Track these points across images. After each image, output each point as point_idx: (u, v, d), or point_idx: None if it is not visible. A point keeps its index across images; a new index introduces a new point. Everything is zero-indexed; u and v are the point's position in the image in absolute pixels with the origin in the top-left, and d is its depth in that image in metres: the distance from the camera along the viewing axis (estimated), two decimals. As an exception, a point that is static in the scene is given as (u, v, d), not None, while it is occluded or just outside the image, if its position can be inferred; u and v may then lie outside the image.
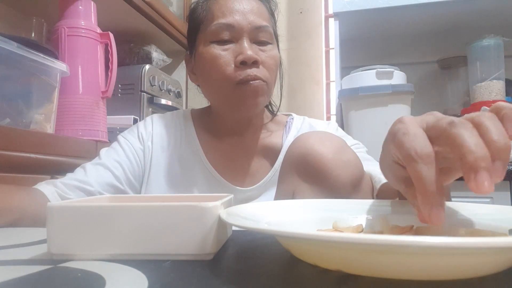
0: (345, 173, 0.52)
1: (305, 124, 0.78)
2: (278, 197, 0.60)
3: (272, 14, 0.73)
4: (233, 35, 0.66)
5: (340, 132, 0.76)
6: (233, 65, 0.65)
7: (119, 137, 0.74)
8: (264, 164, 0.73)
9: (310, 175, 0.52)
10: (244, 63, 0.64)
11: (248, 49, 0.64)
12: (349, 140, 0.71)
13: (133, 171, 0.71)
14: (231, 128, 0.74)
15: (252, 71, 0.64)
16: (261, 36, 0.67)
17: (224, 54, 0.65)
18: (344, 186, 0.51)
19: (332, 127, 0.77)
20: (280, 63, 0.75)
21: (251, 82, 0.64)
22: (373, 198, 0.57)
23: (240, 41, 0.66)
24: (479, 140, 0.27)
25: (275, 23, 0.74)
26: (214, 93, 0.70)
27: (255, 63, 0.64)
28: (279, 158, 0.72)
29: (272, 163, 0.72)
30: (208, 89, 0.71)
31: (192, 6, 0.74)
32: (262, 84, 0.65)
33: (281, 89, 0.80)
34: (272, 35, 0.69)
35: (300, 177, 0.54)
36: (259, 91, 0.65)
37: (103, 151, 0.71)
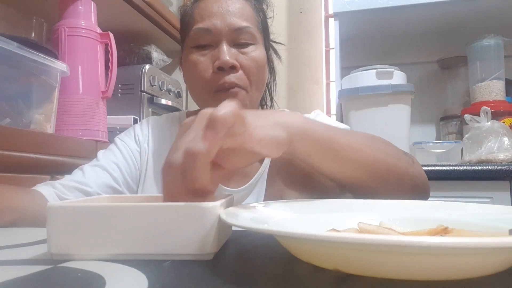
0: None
1: None
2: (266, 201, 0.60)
3: (258, 10, 0.71)
4: (211, 39, 0.65)
5: (322, 117, 0.74)
6: (211, 71, 0.64)
7: (116, 139, 0.75)
8: (255, 163, 0.73)
9: (295, 181, 0.52)
10: (222, 69, 0.63)
11: (225, 54, 0.63)
12: (341, 126, 0.69)
13: (130, 172, 0.71)
14: None
15: (230, 78, 0.63)
16: (241, 38, 0.65)
17: (202, 60, 0.65)
18: (332, 189, 0.51)
19: (313, 114, 0.75)
20: (270, 62, 0.74)
21: (230, 90, 0.63)
22: None
23: (218, 46, 0.64)
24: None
25: (263, 19, 0.72)
26: (196, 98, 0.70)
27: (232, 68, 0.63)
28: None
29: (262, 160, 0.72)
30: (191, 94, 0.71)
31: (181, 10, 0.74)
32: (240, 90, 0.64)
33: (270, 89, 0.79)
34: (255, 35, 0.67)
35: (285, 184, 0.54)
36: (237, 97, 0.64)
37: (101, 153, 0.71)
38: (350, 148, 0.46)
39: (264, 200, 0.61)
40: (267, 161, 0.71)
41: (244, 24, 0.66)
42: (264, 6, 0.74)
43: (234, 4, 0.66)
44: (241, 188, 0.70)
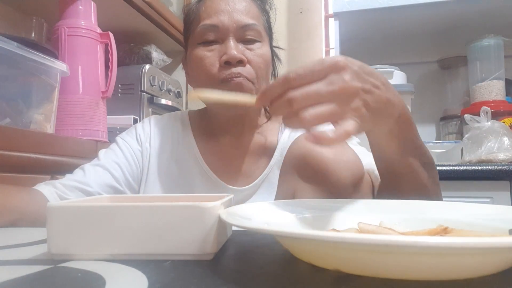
0: (346, 173, 0.52)
1: None
2: (278, 197, 0.60)
3: (263, 10, 0.72)
4: (218, 35, 0.65)
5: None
6: (218, 65, 0.64)
7: (117, 138, 0.75)
8: (260, 163, 0.73)
9: (310, 175, 0.53)
10: (229, 63, 0.63)
11: (233, 49, 0.63)
12: None
13: (131, 172, 0.71)
14: (226, 128, 0.74)
15: (237, 69, 0.63)
16: (248, 35, 0.66)
17: (209, 55, 0.65)
18: (345, 187, 0.52)
19: None
20: (273, 61, 0.74)
21: (234, 79, 0.63)
22: (372, 195, 0.57)
23: (225, 41, 0.65)
24: None
25: (267, 19, 0.73)
26: None
27: (240, 63, 0.63)
28: (274, 155, 0.72)
29: (268, 161, 0.72)
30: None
31: (186, 9, 0.74)
32: (247, 81, 0.64)
33: None
34: (261, 32, 0.68)
35: (300, 178, 0.54)
36: (242, 88, 0.64)
37: (102, 153, 0.71)
38: (421, 162, 0.50)
39: (276, 196, 0.61)
40: (272, 162, 0.71)
41: (251, 21, 0.66)
42: (267, 7, 0.74)
43: (241, 2, 0.67)
44: (245, 187, 0.70)
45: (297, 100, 0.36)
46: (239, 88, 0.63)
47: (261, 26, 0.68)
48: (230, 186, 0.70)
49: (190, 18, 0.70)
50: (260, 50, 0.67)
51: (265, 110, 0.80)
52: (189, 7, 0.72)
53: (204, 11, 0.67)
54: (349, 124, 0.37)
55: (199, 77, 0.67)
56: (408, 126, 0.47)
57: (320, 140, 0.35)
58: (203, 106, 0.80)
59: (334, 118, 0.37)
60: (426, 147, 0.51)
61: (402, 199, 0.48)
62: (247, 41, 0.66)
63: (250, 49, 0.66)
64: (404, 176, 0.50)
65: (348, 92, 0.38)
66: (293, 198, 0.54)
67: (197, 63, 0.66)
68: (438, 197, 0.54)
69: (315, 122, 0.36)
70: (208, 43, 0.66)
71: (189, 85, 1.83)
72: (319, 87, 0.37)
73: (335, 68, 0.38)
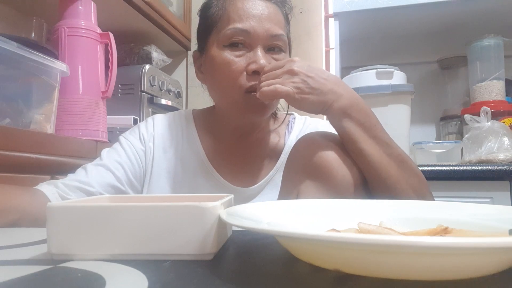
0: (351, 173, 0.53)
1: (307, 123, 0.78)
2: (282, 195, 0.60)
3: (287, 19, 0.73)
4: (248, 41, 0.65)
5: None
6: (245, 73, 0.64)
7: (120, 137, 0.74)
8: (266, 164, 0.73)
9: (315, 175, 0.53)
10: (257, 72, 0.63)
11: (262, 58, 0.63)
12: None
13: (134, 172, 0.71)
14: (234, 130, 0.74)
15: None
16: (275, 45, 0.66)
17: (236, 61, 0.64)
18: (348, 187, 0.52)
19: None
20: None
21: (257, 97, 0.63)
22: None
23: (254, 49, 0.64)
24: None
25: (289, 29, 0.73)
26: (222, 97, 0.69)
27: None
28: (281, 157, 0.72)
29: (274, 163, 0.72)
30: (216, 92, 0.70)
31: (206, 2, 0.72)
32: (266, 106, 0.66)
33: None
34: (286, 43, 0.69)
35: (305, 177, 0.54)
36: (267, 103, 0.65)
37: (104, 152, 0.71)
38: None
39: (279, 195, 0.61)
40: (279, 164, 0.71)
41: (280, 31, 0.67)
42: (289, 17, 0.74)
43: (271, 10, 0.67)
44: (249, 187, 0.70)
45: (262, 78, 0.59)
46: (264, 104, 0.65)
47: (286, 37, 0.69)
48: (234, 186, 0.70)
49: (214, 14, 0.68)
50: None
51: (274, 113, 0.80)
52: (211, 1, 0.70)
53: (234, 13, 0.65)
54: (284, 87, 0.56)
55: (224, 82, 0.66)
56: (363, 116, 0.56)
57: (261, 93, 0.57)
58: (205, 105, 0.80)
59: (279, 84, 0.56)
60: (396, 144, 0.58)
61: (368, 177, 0.56)
62: (273, 51, 0.67)
63: (276, 59, 0.66)
64: (360, 154, 0.55)
65: (292, 72, 0.56)
66: (297, 197, 0.55)
67: (222, 67, 0.65)
68: (417, 196, 0.55)
69: (267, 85, 0.57)
70: (235, 47, 0.65)
71: (190, 83, 1.83)
72: (277, 71, 0.58)
73: (290, 61, 0.58)
